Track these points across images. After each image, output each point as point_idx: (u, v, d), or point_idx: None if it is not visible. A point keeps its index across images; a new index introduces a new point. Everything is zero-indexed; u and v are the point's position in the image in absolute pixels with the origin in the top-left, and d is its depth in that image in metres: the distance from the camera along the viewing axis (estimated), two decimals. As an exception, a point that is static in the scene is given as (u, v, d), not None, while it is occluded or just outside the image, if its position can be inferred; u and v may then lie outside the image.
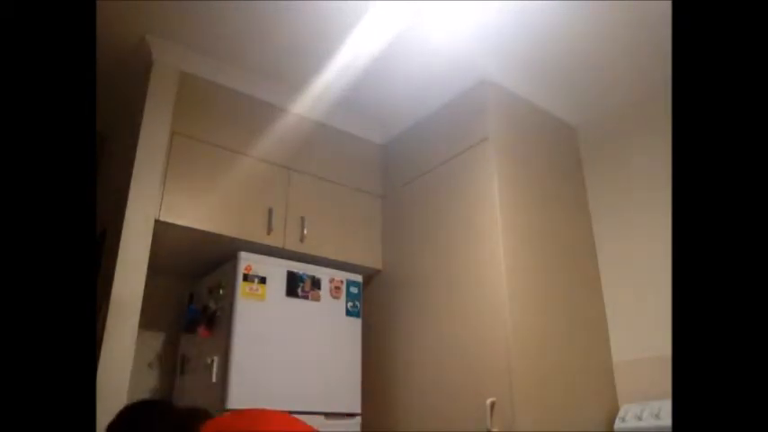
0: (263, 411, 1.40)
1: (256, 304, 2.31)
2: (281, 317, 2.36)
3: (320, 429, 1.38)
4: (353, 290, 2.64)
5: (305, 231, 2.56)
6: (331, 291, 2.56)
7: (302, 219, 2.57)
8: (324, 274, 2.56)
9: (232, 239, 2.37)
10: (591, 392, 2.37)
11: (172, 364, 2.66)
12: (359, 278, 2.68)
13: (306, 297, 2.46)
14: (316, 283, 2.51)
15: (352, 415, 2.43)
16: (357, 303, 2.63)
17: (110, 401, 1.74)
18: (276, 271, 2.41)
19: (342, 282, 2.61)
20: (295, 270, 2.47)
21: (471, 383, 2.19)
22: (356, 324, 2.60)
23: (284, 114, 2.71)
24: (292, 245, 2.52)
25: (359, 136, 2.98)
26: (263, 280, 2.35)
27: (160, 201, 2.21)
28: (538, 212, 2.50)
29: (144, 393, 2.51)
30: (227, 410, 2.09)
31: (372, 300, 2.80)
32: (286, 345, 2.34)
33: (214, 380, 2.22)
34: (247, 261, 2.34)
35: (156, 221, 2.18)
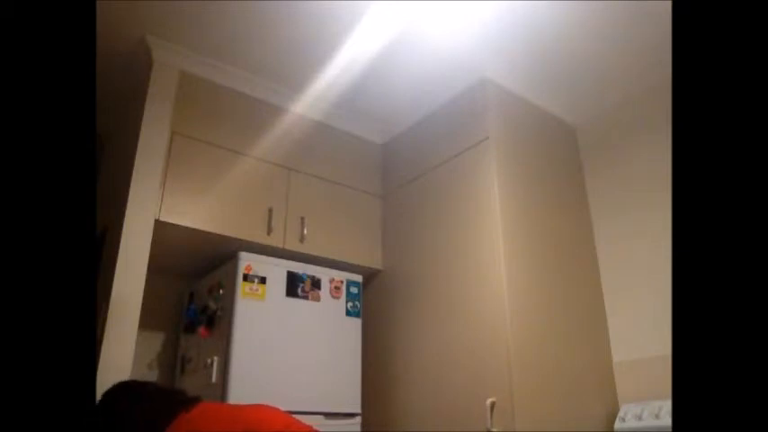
0: (254, 408, 1.36)
1: (256, 304, 2.31)
2: (281, 317, 2.36)
3: (320, 429, 1.37)
4: (353, 290, 2.64)
5: (305, 231, 2.56)
6: (331, 291, 2.55)
7: (302, 219, 2.57)
8: (324, 274, 2.56)
9: (232, 239, 2.37)
10: (591, 392, 2.37)
11: (172, 364, 2.66)
12: (359, 278, 2.68)
13: (306, 297, 2.46)
14: (316, 283, 2.51)
15: (352, 415, 2.43)
16: (357, 303, 2.63)
17: (110, 401, 1.74)
18: (276, 271, 2.41)
19: (342, 282, 2.61)
20: (295, 270, 2.47)
21: (471, 383, 2.19)
22: (356, 324, 2.60)
23: (284, 114, 2.71)
24: (292, 245, 2.52)
25: (359, 136, 2.98)
26: (263, 280, 2.35)
27: (160, 201, 2.21)
28: (538, 212, 2.50)
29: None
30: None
31: (372, 300, 2.80)
32: (286, 345, 2.34)
33: (214, 380, 2.22)
34: (247, 261, 2.34)
35: (156, 221, 2.18)
